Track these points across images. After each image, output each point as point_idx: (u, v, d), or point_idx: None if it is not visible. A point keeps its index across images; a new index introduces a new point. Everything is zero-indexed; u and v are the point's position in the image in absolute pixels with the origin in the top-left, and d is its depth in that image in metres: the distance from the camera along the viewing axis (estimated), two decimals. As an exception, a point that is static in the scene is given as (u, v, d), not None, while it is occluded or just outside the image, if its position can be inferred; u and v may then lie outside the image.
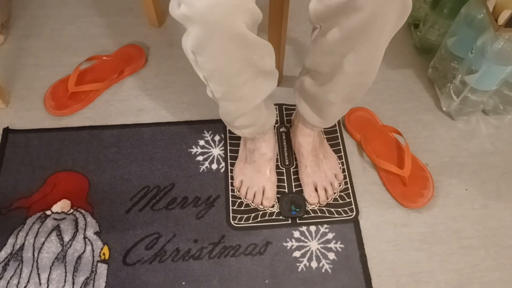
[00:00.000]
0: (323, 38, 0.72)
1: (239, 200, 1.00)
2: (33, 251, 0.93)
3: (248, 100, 0.79)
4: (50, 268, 0.91)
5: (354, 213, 0.98)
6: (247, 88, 0.75)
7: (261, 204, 0.99)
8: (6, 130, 1.07)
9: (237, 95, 0.77)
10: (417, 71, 1.22)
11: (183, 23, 0.64)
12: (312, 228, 0.97)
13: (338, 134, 1.10)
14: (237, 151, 1.05)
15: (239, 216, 0.98)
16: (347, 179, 1.03)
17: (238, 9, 0.61)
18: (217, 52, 0.66)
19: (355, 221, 0.98)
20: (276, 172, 1.02)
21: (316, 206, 0.99)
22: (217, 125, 1.10)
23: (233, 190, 1.01)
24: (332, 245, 0.95)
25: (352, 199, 1.00)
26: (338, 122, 1.11)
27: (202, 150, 1.07)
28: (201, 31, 0.62)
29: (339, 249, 0.95)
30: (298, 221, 0.98)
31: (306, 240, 0.96)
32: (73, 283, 0.89)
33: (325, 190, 1.00)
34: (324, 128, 1.09)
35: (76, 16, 1.31)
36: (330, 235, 0.96)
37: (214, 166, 1.04)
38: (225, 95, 0.76)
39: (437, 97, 1.17)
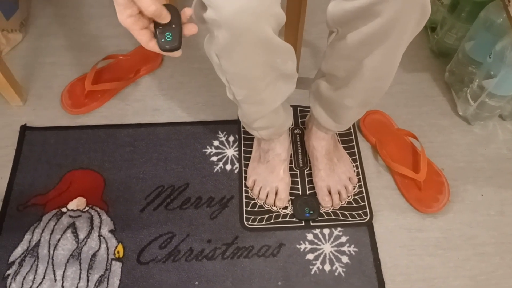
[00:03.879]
0: (340, 42, 0.72)
1: (253, 201, 1.00)
2: (49, 247, 0.94)
3: (269, 102, 0.79)
4: (65, 265, 0.92)
5: (368, 216, 0.98)
6: (268, 91, 0.75)
7: (274, 204, 0.99)
8: (24, 128, 1.09)
9: (258, 98, 0.77)
10: (434, 74, 1.21)
11: (207, 27, 0.64)
12: (326, 231, 0.97)
13: (353, 137, 1.09)
14: (251, 152, 1.06)
15: (252, 217, 0.98)
16: (362, 183, 1.03)
17: (265, 14, 0.61)
18: (243, 56, 0.66)
19: (369, 225, 0.97)
20: (290, 174, 1.02)
21: (329, 209, 0.99)
22: (231, 126, 1.11)
23: (246, 191, 1.01)
24: (345, 248, 0.95)
25: (366, 203, 1.00)
26: (353, 125, 1.11)
27: (217, 151, 1.07)
28: (228, 36, 0.61)
29: (353, 253, 0.94)
30: (311, 224, 0.97)
31: (319, 243, 0.96)
32: (88, 280, 0.90)
33: (339, 194, 0.99)
34: (339, 131, 1.08)
35: (94, 16, 1.32)
36: (343, 238, 0.96)
37: (228, 167, 1.05)
38: (246, 97, 0.76)
39: (453, 101, 1.16)
